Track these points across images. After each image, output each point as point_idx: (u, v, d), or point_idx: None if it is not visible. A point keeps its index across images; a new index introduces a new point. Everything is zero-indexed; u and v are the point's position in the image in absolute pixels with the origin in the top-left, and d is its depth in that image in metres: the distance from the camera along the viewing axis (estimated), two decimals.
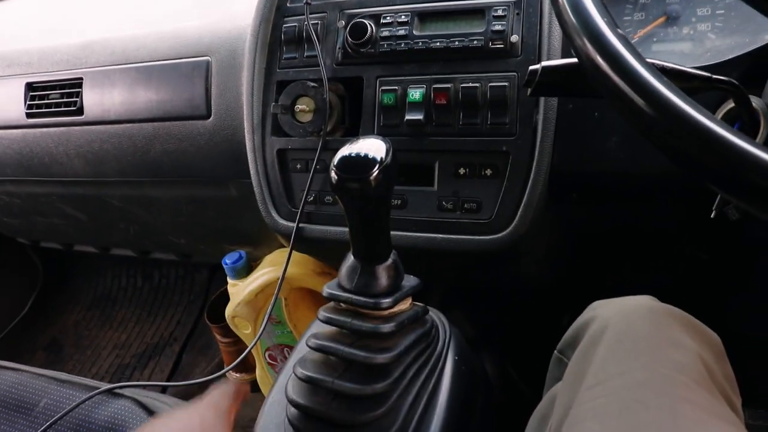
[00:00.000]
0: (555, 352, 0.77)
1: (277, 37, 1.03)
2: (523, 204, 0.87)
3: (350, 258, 0.70)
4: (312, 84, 0.98)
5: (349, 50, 0.97)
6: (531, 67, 0.67)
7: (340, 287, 0.71)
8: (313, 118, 0.98)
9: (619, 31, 0.50)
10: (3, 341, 2.05)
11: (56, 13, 1.51)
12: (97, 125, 1.24)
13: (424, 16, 0.94)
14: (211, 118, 1.13)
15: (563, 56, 0.86)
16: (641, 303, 0.69)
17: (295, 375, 0.71)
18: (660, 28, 0.88)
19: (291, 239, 1.00)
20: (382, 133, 0.94)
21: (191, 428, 0.62)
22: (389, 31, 0.94)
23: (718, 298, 1.25)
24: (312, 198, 1.00)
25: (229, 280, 1.40)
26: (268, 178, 1.03)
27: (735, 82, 0.62)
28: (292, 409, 0.71)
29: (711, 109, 0.72)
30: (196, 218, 1.40)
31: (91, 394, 0.85)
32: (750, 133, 0.64)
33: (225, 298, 1.43)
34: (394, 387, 0.69)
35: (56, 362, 1.97)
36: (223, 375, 1.61)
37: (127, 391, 0.87)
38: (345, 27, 0.97)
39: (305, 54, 1.01)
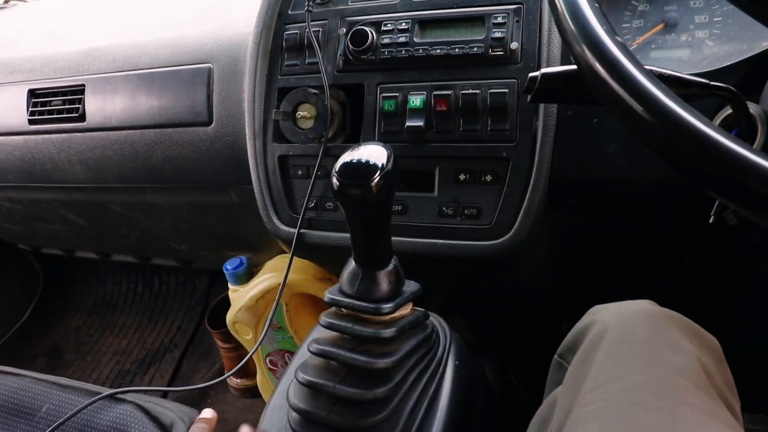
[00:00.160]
0: (555, 356, 0.77)
1: (279, 44, 1.04)
2: (522, 210, 0.88)
3: (351, 263, 0.71)
4: (313, 91, 0.98)
5: (350, 57, 0.97)
6: (531, 74, 0.67)
7: (342, 292, 0.71)
8: (315, 124, 0.98)
9: (618, 38, 0.50)
10: (3, 347, 2.05)
11: (58, 21, 1.52)
12: (99, 132, 1.24)
13: (425, 24, 0.95)
14: (212, 125, 1.13)
15: (562, 63, 0.86)
16: (640, 307, 0.70)
17: (297, 380, 0.71)
18: (658, 35, 0.89)
19: (292, 245, 1.01)
20: (383, 140, 0.94)
21: None
22: (390, 38, 0.95)
23: (717, 303, 1.25)
24: (313, 204, 1.01)
25: (230, 285, 1.40)
26: (270, 184, 1.04)
27: (732, 88, 0.62)
28: (294, 414, 0.72)
29: (709, 115, 0.73)
30: (197, 224, 1.40)
31: (93, 399, 0.85)
32: (748, 139, 0.64)
33: (226, 304, 1.43)
34: (395, 392, 0.69)
35: (56, 368, 1.97)
36: (224, 380, 1.62)
37: (128, 396, 0.88)
38: (346, 34, 0.98)
39: (306, 61, 1.01)
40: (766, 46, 0.78)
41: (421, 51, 0.93)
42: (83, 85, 1.25)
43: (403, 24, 0.95)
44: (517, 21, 0.89)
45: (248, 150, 1.04)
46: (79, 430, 0.84)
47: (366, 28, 0.96)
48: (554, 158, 0.87)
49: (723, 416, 0.58)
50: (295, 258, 1.03)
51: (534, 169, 0.87)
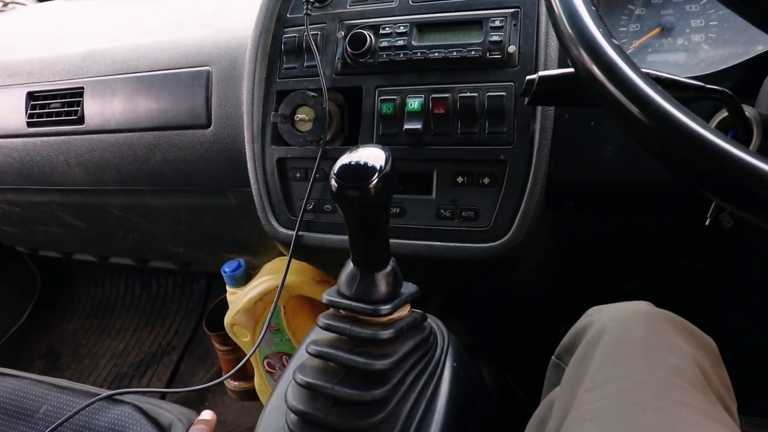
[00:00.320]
0: (552, 357, 0.78)
1: (277, 48, 1.04)
2: (520, 212, 0.88)
3: (350, 265, 0.71)
4: (312, 94, 0.99)
5: (349, 60, 0.98)
6: (528, 77, 0.68)
7: (340, 294, 0.71)
8: (313, 127, 0.99)
9: (615, 41, 0.51)
10: (0, 350, 2.05)
11: (57, 24, 1.52)
12: (98, 134, 1.25)
13: (423, 27, 0.95)
14: (211, 128, 1.14)
15: (560, 66, 0.87)
16: (638, 308, 0.70)
17: (295, 381, 0.72)
18: (655, 39, 0.89)
19: (290, 247, 1.01)
20: (381, 142, 0.95)
21: None
22: (388, 41, 0.96)
23: (714, 304, 1.26)
24: (311, 206, 1.01)
25: (228, 288, 1.40)
26: (268, 187, 1.04)
27: (728, 91, 0.63)
28: (292, 416, 0.72)
29: (705, 118, 0.73)
30: (195, 227, 1.40)
31: (91, 400, 0.85)
32: (743, 142, 0.64)
33: (223, 306, 1.43)
34: (393, 393, 0.69)
35: (54, 371, 1.97)
36: (222, 383, 1.62)
37: (127, 398, 0.88)
38: (344, 37, 0.98)
39: (305, 64, 1.02)
40: (762, 50, 0.79)
41: (419, 54, 0.94)
42: (82, 88, 1.25)
43: (401, 27, 0.96)
44: (515, 24, 0.90)
45: (247, 152, 1.05)
46: None
47: (364, 32, 0.96)
48: (551, 161, 0.87)
49: (720, 416, 0.58)
50: (293, 260, 1.03)
51: (531, 172, 0.87)
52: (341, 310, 0.72)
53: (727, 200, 0.46)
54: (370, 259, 0.70)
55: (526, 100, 0.69)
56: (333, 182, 0.63)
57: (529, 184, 0.88)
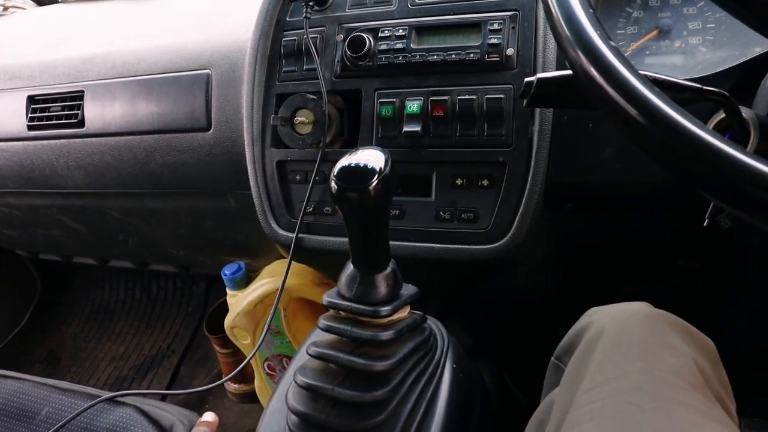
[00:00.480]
0: (552, 358, 0.78)
1: (277, 51, 1.05)
2: (519, 214, 0.89)
3: (350, 267, 0.71)
4: (311, 96, 0.99)
5: (348, 63, 0.98)
6: (526, 79, 0.68)
7: (340, 296, 0.72)
8: (313, 130, 0.99)
9: (612, 43, 0.51)
10: (0, 353, 2.05)
11: (58, 27, 1.53)
12: (98, 137, 1.25)
13: (422, 30, 0.96)
14: (211, 131, 1.14)
15: (558, 68, 0.87)
16: (637, 309, 0.70)
17: (296, 383, 0.72)
18: (652, 42, 0.90)
19: (290, 250, 1.01)
20: (381, 145, 0.95)
21: None
22: (387, 44, 0.96)
23: (712, 305, 1.26)
24: (311, 209, 1.01)
25: (228, 291, 1.41)
26: (268, 190, 1.04)
27: (726, 93, 0.63)
28: (293, 417, 0.72)
29: (703, 120, 0.73)
30: (195, 229, 1.41)
31: (92, 402, 0.85)
32: (741, 143, 0.65)
33: (224, 309, 1.43)
34: (393, 394, 0.70)
35: (54, 374, 1.97)
36: (222, 385, 1.62)
37: (128, 400, 0.88)
38: (344, 40, 0.98)
39: (304, 67, 1.02)
40: (759, 52, 0.79)
41: (418, 57, 0.94)
42: (82, 91, 1.26)
43: (400, 30, 0.96)
44: (513, 27, 0.90)
45: (247, 155, 1.05)
46: None
47: (363, 35, 0.97)
48: (550, 163, 0.88)
49: (719, 416, 0.58)
50: (293, 263, 1.04)
51: (530, 174, 0.88)
52: (341, 312, 0.72)
53: (725, 201, 0.46)
54: (370, 261, 0.70)
55: (525, 102, 0.69)
56: (333, 184, 0.63)
57: (528, 186, 0.88)
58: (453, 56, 0.92)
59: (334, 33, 1.01)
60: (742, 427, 0.79)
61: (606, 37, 0.51)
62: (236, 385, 1.67)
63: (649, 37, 0.90)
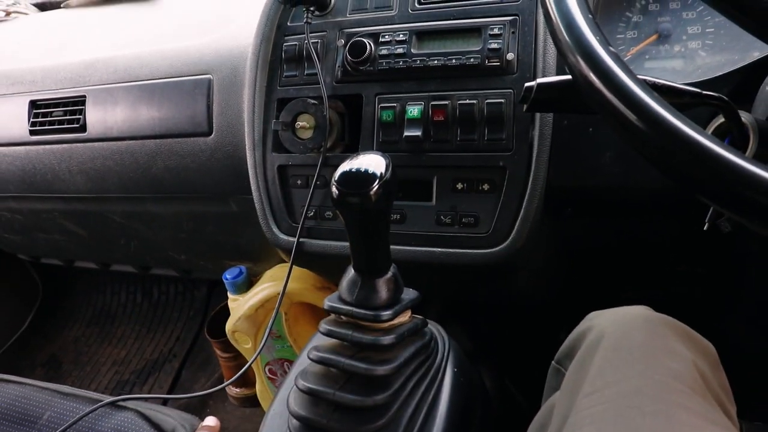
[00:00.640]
0: (552, 362, 0.78)
1: (278, 56, 1.05)
2: (519, 218, 0.89)
3: (351, 271, 0.71)
4: (312, 101, 0.99)
5: (349, 68, 0.98)
6: (527, 84, 0.68)
7: (341, 300, 0.72)
8: (314, 134, 0.99)
9: (611, 48, 0.51)
10: (2, 357, 2.05)
11: (59, 33, 1.53)
12: (100, 142, 1.25)
13: (422, 35, 0.96)
14: (212, 135, 1.14)
15: (558, 73, 0.87)
16: (637, 312, 0.70)
17: (297, 387, 0.72)
18: (652, 46, 0.90)
19: (292, 254, 1.01)
20: (381, 150, 0.95)
21: None
22: (388, 49, 0.96)
23: (713, 310, 1.26)
24: (312, 213, 1.02)
25: (229, 295, 1.41)
26: (269, 194, 1.05)
27: (725, 97, 0.63)
28: (294, 421, 0.72)
29: (702, 124, 0.74)
30: (196, 234, 1.41)
31: (94, 406, 0.86)
32: (740, 148, 0.65)
33: (225, 313, 1.43)
34: (394, 398, 0.70)
35: (55, 379, 1.97)
36: (223, 390, 1.62)
37: (129, 404, 0.88)
38: (344, 45, 0.99)
39: (305, 72, 1.02)
40: (758, 56, 0.79)
41: (418, 62, 0.94)
42: (84, 96, 1.26)
43: (401, 35, 0.96)
44: (513, 32, 0.91)
45: (248, 160, 1.05)
46: None
47: (364, 40, 0.97)
48: (550, 167, 0.88)
49: (719, 420, 0.58)
50: (294, 267, 1.04)
51: (530, 178, 0.88)
52: (342, 316, 0.72)
53: (724, 206, 0.46)
54: (371, 265, 0.70)
55: (525, 107, 0.69)
56: (334, 189, 0.64)
57: (528, 191, 0.88)
58: (453, 61, 0.92)
59: (335, 38, 1.01)
60: (743, 431, 0.78)
61: (605, 43, 0.51)
62: (237, 389, 1.67)
63: (648, 41, 0.90)
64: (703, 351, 0.68)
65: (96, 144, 1.26)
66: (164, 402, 1.63)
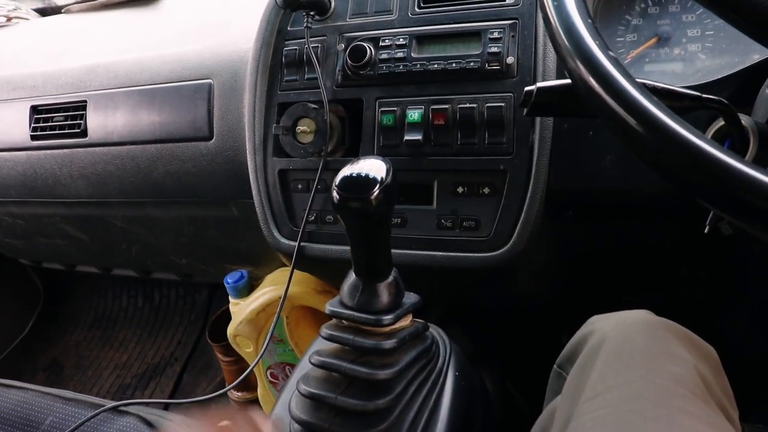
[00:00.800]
0: (554, 366, 0.78)
1: (278, 60, 1.05)
2: (520, 222, 0.89)
3: (352, 276, 0.71)
4: (313, 106, 0.99)
5: (349, 72, 0.99)
6: (527, 88, 0.68)
7: (342, 304, 0.72)
8: (314, 139, 0.99)
9: (611, 53, 0.51)
10: (3, 362, 2.05)
11: (60, 38, 1.54)
12: (101, 147, 1.26)
13: (422, 39, 0.96)
14: (213, 140, 1.14)
15: (558, 77, 0.87)
16: (638, 317, 0.70)
17: (298, 391, 0.72)
18: (652, 49, 0.90)
19: (293, 258, 1.02)
20: (382, 154, 0.96)
21: None
22: (388, 53, 0.96)
23: (714, 313, 1.26)
24: (313, 217, 1.02)
25: (230, 299, 1.41)
26: (270, 198, 1.05)
27: (724, 101, 0.63)
28: (296, 426, 0.72)
29: (701, 128, 0.74)
30: (197, 238, 1.41)
31: (96, 411, 0.86)
32: (740, 151, 0.65)
33: (226, 317, 1.43)
34: (396, 402, 0.70)
35: (57, 383, 1.97)
36: (225, 394, 1.62)
37: (131, 409, 0.88)
38: (345, 50, 0.99)
39: (306, 76, 1.03)
40: (758, 59, 0.79)
41: (418, 66, 0.94)
42: (85, 101, 1.27)
43: (401, 39, 0.96)
44: (513, 36, 0.91)
45: (249, 164, 1.05)
46: None
47: (364, 44, 0.97)
48: (551, 171, 0.88)
49: (720, 424, 0.58)
50: (295, 271, 1.04)
51: (531, 182, 0.88)
52: (344, 321, 0.72)
53: (724, 210, 0.46)
54: (372, 270, 0.70)
55: (525, 110, 0.69)
56: (335, 194, 0.64)
57: (528, 194, 0.88)
58: (453, 65, 0.92)
59: (335, 42, 1.02)
60: None
61: (604, 47, 0.51)
62: (239, 393, 1.67)
63: (648, 44, 0.90)
64: (705, 355, 0.68)
65: (97, 149, 1.26)
66: (166, 407, 1.63)
